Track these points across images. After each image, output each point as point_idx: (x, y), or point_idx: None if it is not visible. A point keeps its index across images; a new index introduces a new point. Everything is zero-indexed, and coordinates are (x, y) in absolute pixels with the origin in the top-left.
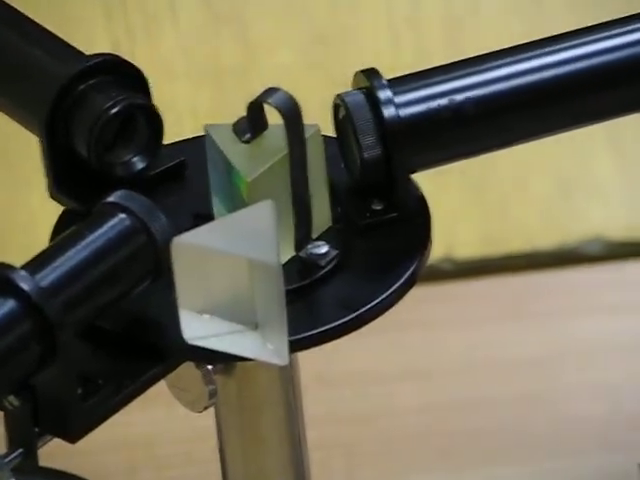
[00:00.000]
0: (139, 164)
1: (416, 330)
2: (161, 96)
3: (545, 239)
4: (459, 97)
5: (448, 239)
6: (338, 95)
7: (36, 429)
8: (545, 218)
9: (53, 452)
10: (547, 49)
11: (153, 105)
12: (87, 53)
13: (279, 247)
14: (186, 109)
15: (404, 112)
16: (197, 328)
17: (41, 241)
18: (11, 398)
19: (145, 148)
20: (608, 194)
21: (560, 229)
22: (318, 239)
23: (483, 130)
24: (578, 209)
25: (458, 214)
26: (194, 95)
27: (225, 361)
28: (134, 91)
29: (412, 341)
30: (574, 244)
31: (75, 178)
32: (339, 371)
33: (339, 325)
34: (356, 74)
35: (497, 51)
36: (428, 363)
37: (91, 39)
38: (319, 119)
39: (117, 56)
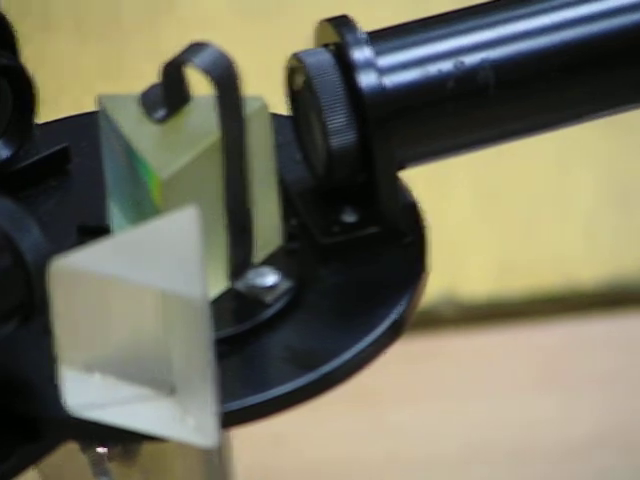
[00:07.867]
0: (2, 152)
1: (404, 401)
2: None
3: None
4: (471, 59)
5: (451, 271)
6: (294, 54)
7: None
8: None
9: None
10: None
11: (22, 66)
12: None
13: (205, 275)
14: (70, 71)
15: (390, 80)
16: (84, 392)
17: None
18: None
19: (10, 129)
20: None
21: None
22: (263, 264)
23: (505, 108)
24: None
25: (467, 235)
26: (80, 51)
27: (125, 441)
28: None
29: (399, 418)
30: None
31: None
32: (292, 460)
33: (293, 391)
34: (320, 24)
35: None
36: (421, 449)
37: None
38: (265, 92)
39: None
